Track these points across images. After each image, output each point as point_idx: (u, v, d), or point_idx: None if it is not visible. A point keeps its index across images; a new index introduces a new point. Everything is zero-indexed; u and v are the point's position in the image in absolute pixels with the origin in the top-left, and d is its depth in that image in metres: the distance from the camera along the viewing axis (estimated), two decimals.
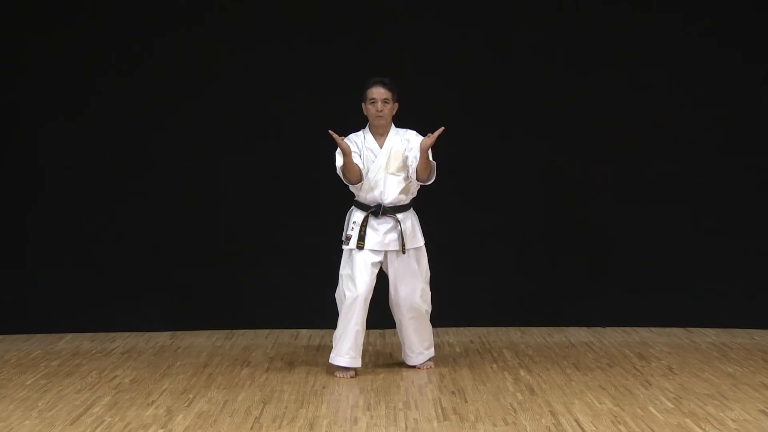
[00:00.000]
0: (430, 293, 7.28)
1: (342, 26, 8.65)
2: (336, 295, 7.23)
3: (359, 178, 7.07)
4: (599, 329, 8.65)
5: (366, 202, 7.15)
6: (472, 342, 8.25)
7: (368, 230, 7.10)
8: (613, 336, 8.42)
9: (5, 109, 8.74)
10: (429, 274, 7.28)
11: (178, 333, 8.67)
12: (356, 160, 7.06)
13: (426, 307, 7.25)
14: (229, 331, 8.70)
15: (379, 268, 7.16)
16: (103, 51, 8.68)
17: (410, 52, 8.68)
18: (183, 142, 8.76)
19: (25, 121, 8.72)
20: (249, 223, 8.78)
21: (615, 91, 8.71)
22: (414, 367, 7.31)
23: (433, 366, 7.31)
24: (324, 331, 8.45)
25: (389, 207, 7.12)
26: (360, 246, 7.08)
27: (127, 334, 8.65)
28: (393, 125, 7.21)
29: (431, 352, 7.36)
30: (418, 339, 7.28)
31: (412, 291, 7.16)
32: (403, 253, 7.12)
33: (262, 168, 8.76)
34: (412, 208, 7.25)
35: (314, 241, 8.28)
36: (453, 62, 8.72)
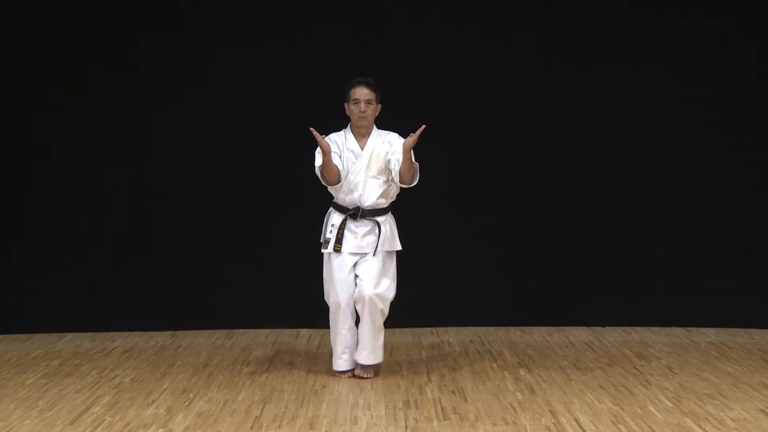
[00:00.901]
0: (392, 296, 7.07)
1: (342, 26, 8.66)
2: (325, 299, 7.22)
3: (337, 180, 6.98)
4: (599, 329, 8.67)
5: (345, 205, 7.06)
6: (472, 342, 8.25)
7: (346, 233, 7.01)
8: (613, 336, 8.44)
9: (9, 107, 8.76)
10: (395, 282, 7.11)
11: (179, 332, 8.69)
12: (336, 160, 6.97)
13: (383, 306, 7.02)
14: (229, 330, 8.72)
15: None
16: (103, 51, 8.70)
17: (410, 52, 8.69)
18: (183, 141, 8.79)
19: (25, 120, 8.74)
20: (249, 223, 8.80)
21: (614, 91, 8.73)
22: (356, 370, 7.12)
23: (372, 376, 7.06)
24: (324, 330, 8.33)
25: (368, 210, 7.03)
26: (337, 249, 7.01)
27: (127, 333, 8.66)
28: (375, 127, 7.11)
29: (379, 356, 7.10)
30: (370, 338, 7.05)
31: (377, 287, 6.97)
32: (374, 255, 6.99)
33: (262, 168, 8.77)
34: (390, 212, 7.14)
35: (314, 239, 8.19)
36: (453, 62, 8.73)
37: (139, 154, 8.80)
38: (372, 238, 7.02)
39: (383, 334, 7.14)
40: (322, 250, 7.11)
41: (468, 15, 8.72)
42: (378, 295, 7.00)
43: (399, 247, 7.12)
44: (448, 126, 8.26)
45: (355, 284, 7.05)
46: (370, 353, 7.10)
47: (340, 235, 7.01)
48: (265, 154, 8.76)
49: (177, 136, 8.78)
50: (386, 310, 7.08)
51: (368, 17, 8.68)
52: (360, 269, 7.03)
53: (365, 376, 7.07)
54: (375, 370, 7.13)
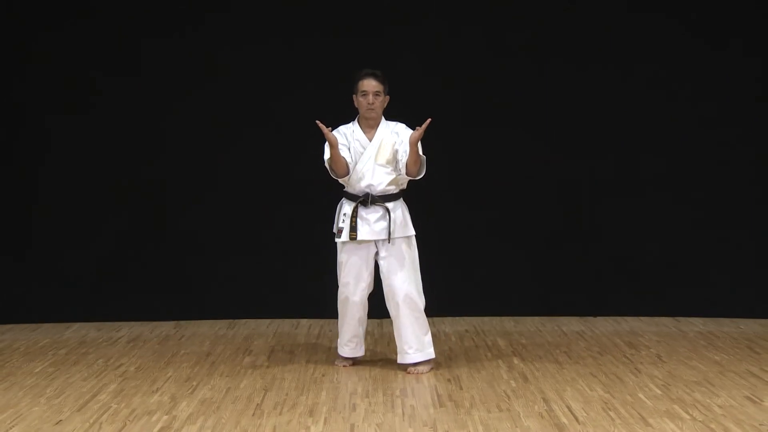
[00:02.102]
0: (419, 287, 7.04)
1: (342, 26, 8.70)
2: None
3: (346, 172, 6.95)
4: (590, 318, 8.72)
5: (355, 192, 7.02)
6: (467, 331, 8.32)
7: (358, 221, 6.96)
8: (604, 325, 8.49)
9: (13, 104, 8.82)
10: (418, 272, 7.06)
11: (182, 322, 8.74)
12: (344, 153, 6.93)
13: (421, 300, 7.05)
14: (231, 321, 8.77)
15: (374, 260, 7.04)
16: (103, 51, 8.76)
17: (410, 52, 8.73)
18: (184, 140, 8.84)
19: (32, 115, 8.80)
20: (250, 215, 8.85)
21: (614, 91, 8.77)
22: (406, 368, 7.02)
23: (426, 371, 6.98)
24: (323, 320, 8.54)
25: (378, 196, 6.99)
26: (353, 237, 6.94)
27: (132, 323, 8.72)
28: (383, 118, 7.08)
29: (428, 353, 7.05)
30: (413, 334, 7.00)
31: (407, 282, 6.99)
32: (389, 242, 6.98)
33: (263, 165, 8.83)
34: (401, 198, 7.09)
35: (314, 231, 8.10)
36: (451, 61, 8.78)
37: (141, 152, 8.84)
38: (384, 223, 6.97)
39: (428, 328, 7.05)
40: (336, 239, 7.06)
41: (468, 15, 8.76)
42: (407, 289, 6.97)
43: (412, 232, 7.04)
44: (448, 126, 8.27)
45: (372, 274, 7.04)
46: (416, 351, 7.00)
47: (353, 223, 6.97)
48: (266, 153, 8.80)
49: (177, 135, 8.83)
50: (420, 301, 7.02)
51: (368, 17, 8.71)
52: (384, 263, 6.99)
53: (417, 372, 6.96)
54: (428, 366, 7.02)
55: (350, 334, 7.17)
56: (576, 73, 8.79)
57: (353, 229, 6.97)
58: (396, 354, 7.14)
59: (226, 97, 8.81)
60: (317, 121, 6.83)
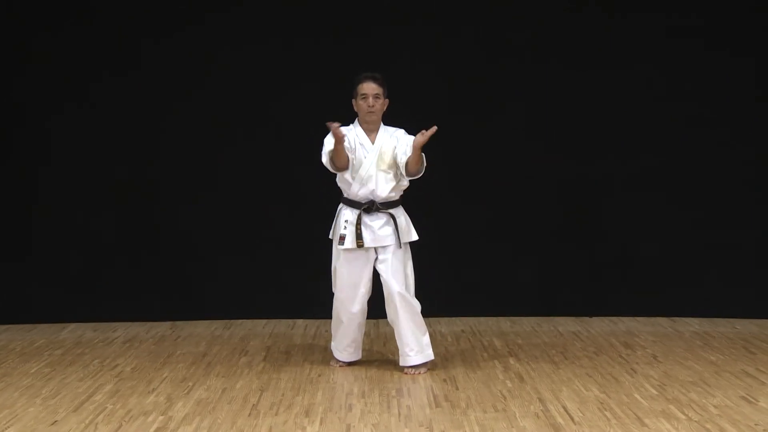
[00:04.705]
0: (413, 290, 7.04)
1: (342, 26, 8.70)
2: (333, 289, 7.15)
3: (347, 166, 6.88)
4: (586, 319, 8.73)
5: (357, 199, 6.96)
6: (463, 331, 8.33)
7: (362, 228, 6.91)
8: (600, 325, 8.50)
9: (12, 105, 8.83)
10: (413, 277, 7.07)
11: (178, 323, 8.76)
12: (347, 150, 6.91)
13: (416, 302, 7.01)
14: (228, 321, 8.78)
15: (372, 267, 6.99)
16: (102, 51, 8.77)
17: (410, 52, 8.74)
18: (184, 140, 8.85)
19: (31, 115, 8.81)
20: (246, 216, 8.86)
21: (608, 89, 8.78)
22: (405, 370, 7.01)
23: (423, 372, 6.98)
24: (320, 321, 8.51)
25: (381, 203, 6.96)
26: (360, 244, 6.88)
27: (128, 323, 8.73)
28: (382, 122, 7.04)
29: (428, 354, 7.03)
30: (413, 336, 6.99)
31: (405, 285, 6.96)
32: (399, 247, 6.94)
33: (260, 165, 8.84)
34: (401, 204, 7.07)
35: (310, 232, 8.12)
36: (450, 61, 8.79)
37: (140, 152, 8.86)
38: (388, 229, 6.93)
39: (425, 329, 7.01)
40: (338, 246, 6.97)
41: (468, 15, 8.77)
42: (406, 293, 6.94)
43: (416, 237, 7.04)
44: (448, 126, 8.24)
45: (371, 279, 7.01)
46: (417, 353, 6.98)
47: (359, 231, 6.91)
48: (265, 153, 8.81)
49: (177, 134, 8.84)
50: (416, 304, 6.99)
51: (369, 17, 8.72)
52: (384, 267, 6.94)
53: (415, 372, 6.96)
54: (425, 366, 7.02)
55: (349, 339, 7.17)
56: (576, 73, 8.80)
57: (359, 236, 6.92)
58: (393, 354, 7.18)
59: (226, 97, 8.83)
60: (328, 123, 6.71)
